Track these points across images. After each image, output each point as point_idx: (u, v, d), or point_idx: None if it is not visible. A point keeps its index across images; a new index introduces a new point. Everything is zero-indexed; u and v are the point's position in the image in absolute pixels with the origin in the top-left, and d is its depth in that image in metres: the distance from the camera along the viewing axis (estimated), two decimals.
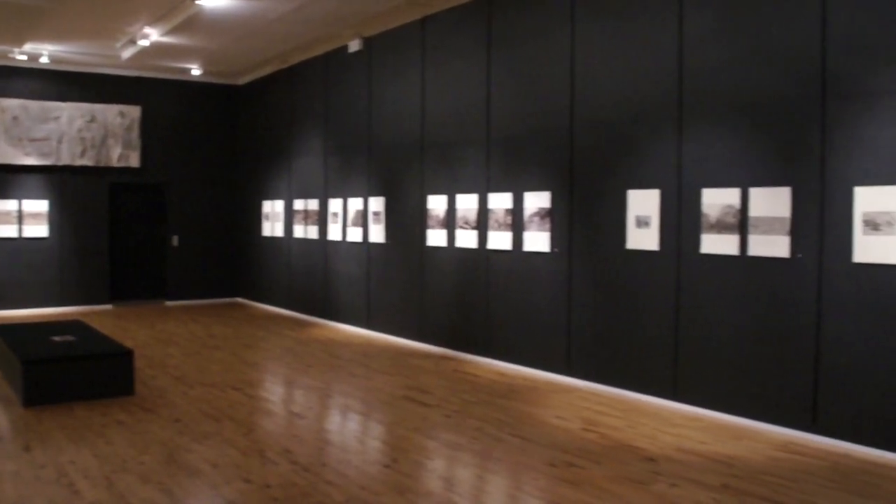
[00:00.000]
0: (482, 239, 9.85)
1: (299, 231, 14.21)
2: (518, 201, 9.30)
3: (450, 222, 10.37)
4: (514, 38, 9.42)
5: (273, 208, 15.21)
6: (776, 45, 6.82)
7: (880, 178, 6.11)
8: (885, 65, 6.13)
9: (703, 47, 7.37)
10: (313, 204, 13.70)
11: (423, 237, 10.88)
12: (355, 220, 12.44)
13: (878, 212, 6.10)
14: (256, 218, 15.93)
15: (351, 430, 7.15)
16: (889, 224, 6.04)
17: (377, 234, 11.89)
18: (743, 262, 7.03)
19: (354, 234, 12.46)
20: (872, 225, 6.13)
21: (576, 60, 8.60)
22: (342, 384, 8.75)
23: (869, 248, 6.16)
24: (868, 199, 6.16)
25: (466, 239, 10.10)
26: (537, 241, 9.03)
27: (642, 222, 7.86)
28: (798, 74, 6.66)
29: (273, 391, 8.79)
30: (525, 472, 5.78)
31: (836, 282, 6.40)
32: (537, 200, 9.03)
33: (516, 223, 9.33)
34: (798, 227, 6.63)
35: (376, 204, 11.90)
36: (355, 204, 12.44)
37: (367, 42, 12.08)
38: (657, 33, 7.76)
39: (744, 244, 6.99)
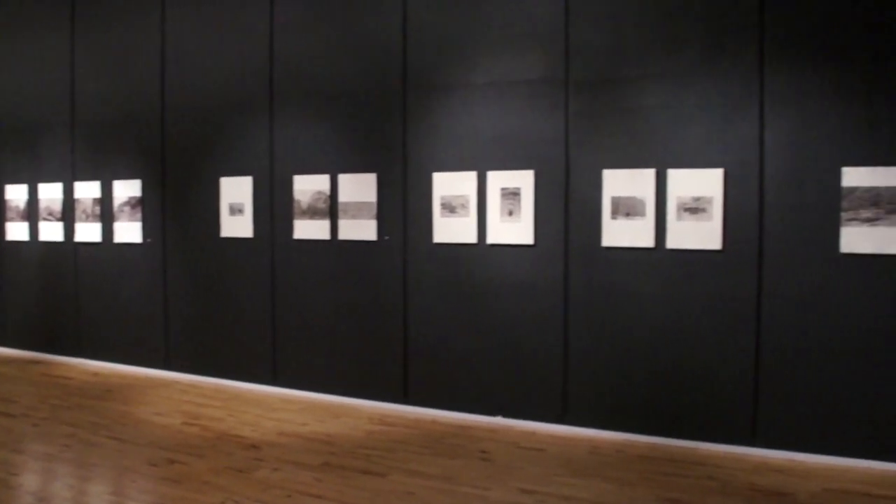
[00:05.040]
0: (69, 231, 8.47)
1: None
2: (107, 190, 8.13)
3: (32, 214, 8.80)
4: (101, 17, 8.10)
5: None
6: (362, 36, 6.58)
7: (455, 165, 6.18)
8: (457, 60, 6.17)
9: (294, 36, 6.91)
10: None
11: (1, 231, 9.19)
12: None
13: (452, 195, 6.16)
14: None
15: None
16: (463, 206, 6.11)
17: None
18: (334, 246, 6.75)
19: None
20: (449, 208, 6.18)
21: (167, 43, 7.63)
22: None
23: (444, 229, 6.22)
24: (445, 184, 6.20)
25: (52, 232, 8.60)
26: (128, 231, 7.90)
27: (236, 210, 7.23)
28: (382, 66, 6.48)
29: None
30: (124, 476, 5.07)
31: (419, 261, 6.37)
32: (127, 189, 7.89)
33: (106, 213, 8.12)
34: (384, 212, 6.50)
35: None
36: None
37: None
38: (249, 20, 7.13)
39: (335, 229, 6.74)
